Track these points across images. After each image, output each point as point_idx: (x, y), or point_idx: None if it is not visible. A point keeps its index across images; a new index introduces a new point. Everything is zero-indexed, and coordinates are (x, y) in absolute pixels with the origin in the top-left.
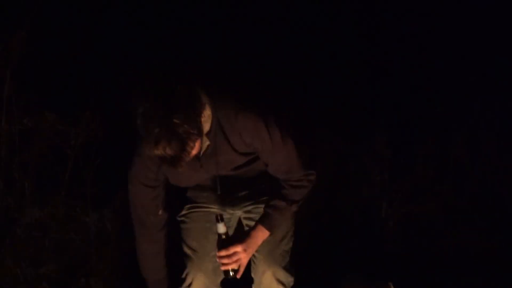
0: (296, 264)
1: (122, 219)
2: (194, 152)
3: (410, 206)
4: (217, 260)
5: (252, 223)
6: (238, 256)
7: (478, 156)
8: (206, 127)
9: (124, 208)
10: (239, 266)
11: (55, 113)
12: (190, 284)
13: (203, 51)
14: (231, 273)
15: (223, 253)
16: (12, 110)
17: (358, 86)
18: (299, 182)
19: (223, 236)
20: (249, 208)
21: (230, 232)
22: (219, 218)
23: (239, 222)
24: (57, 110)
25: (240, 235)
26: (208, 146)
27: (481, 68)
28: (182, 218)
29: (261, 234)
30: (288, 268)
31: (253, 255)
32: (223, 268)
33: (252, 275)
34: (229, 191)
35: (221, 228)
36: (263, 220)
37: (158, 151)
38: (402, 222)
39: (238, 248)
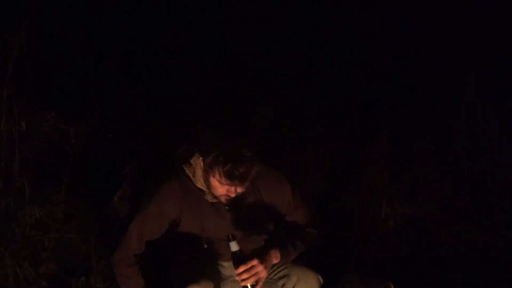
0: None
1: (121, 218)
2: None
3: (409, 206)
4: (236, 278)
5: None
6: (256, 270)
7: (478, 156)
8: None
9: (123, 207)
10: (257, 282)
11: (55, 112)
12: None
13: (203, 51)
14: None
15: (242, 268)
16: (12, 109)
17: (358, 86)
18: (312, 234)
19: (238, 253)
20: None
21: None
22: (231, 237)
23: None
24: (57, 109)
25: (254, 252)
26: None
27: (481, 68)
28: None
29: (275, 257)
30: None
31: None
32: (242, 284)
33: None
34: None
35: (234, 246)
36: (282, 249)
37: (227, 167)
38: (402, 222)
39: (255, 262)
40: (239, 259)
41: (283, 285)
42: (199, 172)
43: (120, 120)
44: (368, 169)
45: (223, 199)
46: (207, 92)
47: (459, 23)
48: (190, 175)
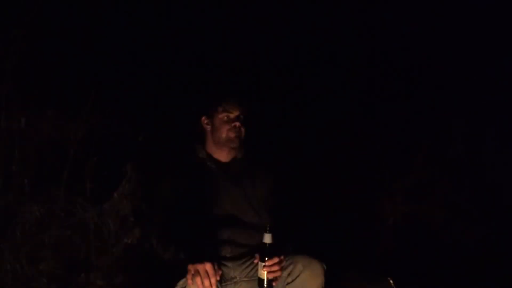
0: None
1: (121, 215)
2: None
3: (410, 205)
4: (265, 269)
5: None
6: (282, 265)
7: (478, 155)
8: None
9: (123, 205)
10: (277, 278)
11: (55, 109)
12: None
13: (203, 51)
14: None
15: (275, 259)
16: (12, 107)
17: (358, 85)
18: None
19: (268, 246)
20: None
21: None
22: (268, 229)
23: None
24: (57, 106)
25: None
26: (238, 158)
27: (481, 68)
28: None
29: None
30: None
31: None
32: (270, 276)
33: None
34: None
35: (269, 238)
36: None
37: (224, 96)
38: (402, 220)
39: (282, 257)
40: (270, 252)
41: (289, 273)
42: (209, 137)
43: (120, 118)
44: (368, 167)
45: (232, 136)
46: (207, 92)
47: (459, 23)
48: (199, 149)
